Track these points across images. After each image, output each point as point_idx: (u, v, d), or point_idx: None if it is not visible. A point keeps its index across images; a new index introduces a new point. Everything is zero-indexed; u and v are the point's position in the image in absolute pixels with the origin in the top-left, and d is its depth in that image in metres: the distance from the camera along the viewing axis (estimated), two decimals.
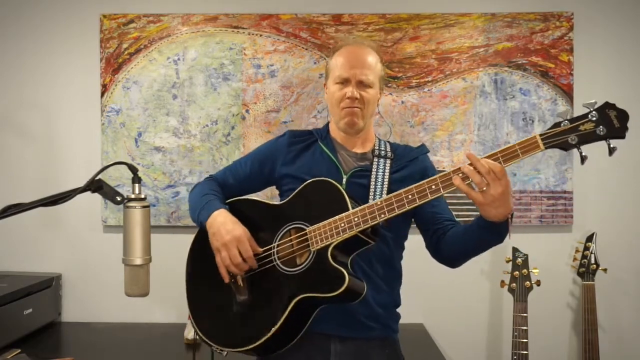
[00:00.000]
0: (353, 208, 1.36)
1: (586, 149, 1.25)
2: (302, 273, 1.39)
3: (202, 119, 2.50)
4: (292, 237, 1.44)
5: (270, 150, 1.62)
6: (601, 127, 1.21)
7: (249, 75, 2.49)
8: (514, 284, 2.26)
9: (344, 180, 1.50)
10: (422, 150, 1.61)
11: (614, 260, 2.46)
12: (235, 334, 1.45)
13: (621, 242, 2.52)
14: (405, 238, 1.58)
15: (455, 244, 1.44)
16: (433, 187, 1.29)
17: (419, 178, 1.44)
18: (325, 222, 1.37)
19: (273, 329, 1.37)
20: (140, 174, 1.19)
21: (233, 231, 1.43)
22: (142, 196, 1.16)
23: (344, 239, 1.36)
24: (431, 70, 2.50)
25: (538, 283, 2.25)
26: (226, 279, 1.45)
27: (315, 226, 1.39)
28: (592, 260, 2.37)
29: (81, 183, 1.14)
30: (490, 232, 1.32)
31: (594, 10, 2.51)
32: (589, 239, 2.40)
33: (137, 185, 1.17)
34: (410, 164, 1.55)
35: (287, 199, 1.49)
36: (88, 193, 1.15)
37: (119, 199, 1.15)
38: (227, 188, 1.62)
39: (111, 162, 1.24)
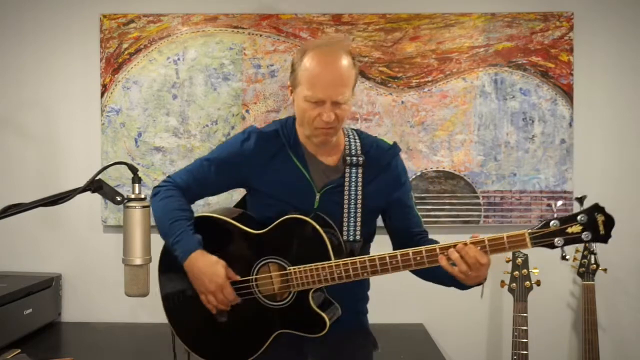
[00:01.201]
0: (335, 257, 1.38)
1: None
2: (283, 309, 1.44)
3: (202, 119, 2.50)
4: (273, 274, 1.45)
5: (237, 158, 1.53)
6: (587, 232, 1.26)
7: (249, 75, 2.49)
8: (514, 284, 2.26)
9: (317, 197, 1.48)
10: (394, 152, 1.57)
11: (614, 260, 2.46)
12: (213, 351, 1.52)
13: (621, 242, 2.51)
14: (376, 229, 1.61)
15: (424, 271, 1.46)
16: (418, 258, 1.35)
17: (391, 190, 1.52)
18: (307, 267, 1.39)
19: (253, 357, 1.46)
20: (140, 174, 1.19)
21: (216, 279, 1.42)
22: (142, 196, 1.16)
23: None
24: (431, 70, 2.50)
25: (538, 283, 2.25)
26: (214, 311, 1.48)
27: (297, 268, 1.41)
28: (592, 260, 2.37)
29: (81, 183, 1.14)
30: (461, 287, 1.42)
31: (594, 10, 2.51)
32: None
33: (137, 185, 1.17)
34: (382, 171, 1.53)
35: (266, 229, 1.46)
36: (88, 193, 1.15)
37: (119, 199, 1.15)
38: (190, 193, 1.56)
39: (111, 162, 1.24)
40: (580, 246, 2.41)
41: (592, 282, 2.36)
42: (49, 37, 2.53)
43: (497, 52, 2.50)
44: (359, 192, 1.48)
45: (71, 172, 2.52)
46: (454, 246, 1.32)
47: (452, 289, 2.53)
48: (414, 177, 2.49)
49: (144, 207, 1.14)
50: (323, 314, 1.40)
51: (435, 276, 1.47)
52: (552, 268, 2.48)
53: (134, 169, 1.18)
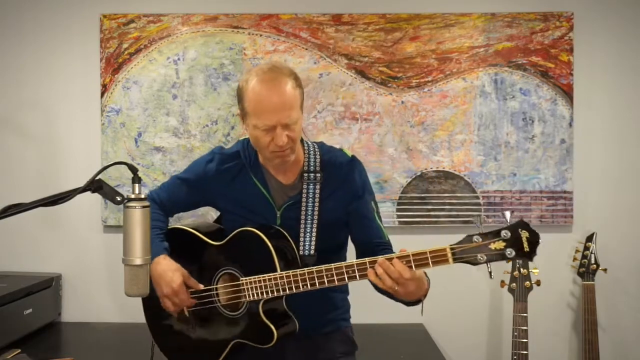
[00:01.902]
0: (281, 269, 1.43)
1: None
2: (238, 319, 1.50)
3: (202, 119, 2.50)
4: (230, 284, 1.52)
5: (200, 180, 1.61)
6: (510, 249, 1.24)
7: None
8: (514, 284, 2.26)
9: (278, 215, 1.54)
10: (352, 166, 1.58)
11: (614, 260, 2.46)
12: (180, 357, 1.60)
13: (621, 242, 2.52)
14: (347, 239, 1.64)
15: (378, 289, 1.47)
16: (350, 272, 1.38)
17: (349, 202, 1.55)
18: (255, 278, 1.45)
19: None
20: (140, 174, 1.18)
21: (172, 283, 1.49)
22: (142, 196, 1.16)
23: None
24: (431, 70, 2.50)
25: (538, 283, 2.24)
26: (175, 314, 1.56)
27: (248, 279, 1.46)
28: (592, 260, 2.37)
29: (81, 183, 1.14)
30: (405, 303, 1.45)
31: (594, 10, 2.51)
32: (589, 239, 2.40)
33: (137, 185, 1.16)
34: (340, 185, 1.56)
35: (224, 241, 1.54)
36: (88, 193, 1.15)
37: (119, 199, 1.15)
38: (165, 208, 1.67)
39: (111, 162, 1.24)
40: (580, 246, 2.41)
41: (592, 282, 2.36)
42: (49, 37, 2.53)
43: (497, 52, 2.50)
44: (316, 208, 1.52)
45: (71, 172, 2.52)
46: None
47: (451, 289, 2.54)
48: (414, 177, 2.49)
49: (144, 207, 1.14)
50: (271, 325, 1.44)
51: (381, 290, 1.47)
52: (552, 268, 2.48)
53: (134, 169, 1.17)
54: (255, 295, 1.45)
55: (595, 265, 2.36)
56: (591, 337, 2.32)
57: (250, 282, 1.45)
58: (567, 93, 2.49)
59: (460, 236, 2.63)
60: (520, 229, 1.24)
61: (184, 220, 2.14)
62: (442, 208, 2.50)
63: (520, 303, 2.23)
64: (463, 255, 1.27)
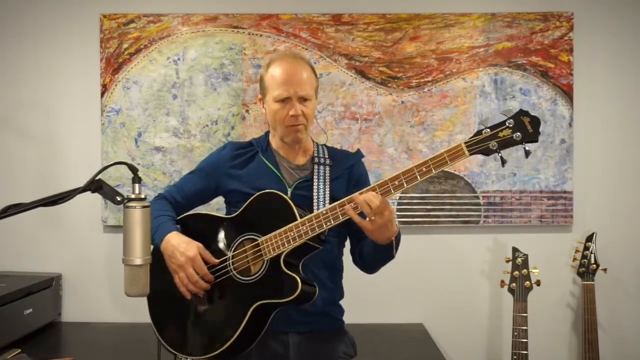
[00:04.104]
0: (301, 217, 1.47)
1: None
2: (257, 281, 1.50)
3: (202, 119, 2.50)
4: (246, 248, 1.53)
5: (213, 165, 1.69)
6: (517, 133, 1.33)
7: (249, 75, 2.49)
8: (514, 284, 2.26)
9: (289, 193, 1.60)
10: (358, 156, 1.73)
11: (614, 260, 2.46)
12: (199, 342, 1.56)
13: (621, 242, 2.52)
14: (346, 237, 1.71)
15: (364, 258, 1.63)
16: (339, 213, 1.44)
17: (352, 186, 1.63)
18: (276, 232, 1.48)
19: (235, 335, 1.48)
20: (140, 174, 1.18)
21: (187, 252, 1.51)
22: (142, 196, 1.16)
23: (295, 247, 1.47)
24: (431, 70, 2.50)
25: (538, 283, 2.25)
26: (188, 296, 1.55)
27: (267, 236, 1.49)
28: (592, 260, 2.37)
29: (81, 183, 1.14)
30: (381, 252, 1.50)
31: (594, 10, 2.51)
32: (589, 239, 2.40)
33: (137, 185, 1.16)
34: (347, 171, 1.67)
35: (238, 212, 1.58)
36: (88, 193, 1.15)
37: (119, 199, 1.15)
38: (177, 206, 1.70)
39: (111, 162, 1.24)
40: (580, 246, 2.41)
41: (592, 282, 2.36)
42: (49, 37, 2.53)
43: (497, 52, 2.50)
44: (327, 186, 1.60)
45: (71, 172, 2.52)
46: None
47: (451, 289, 2.54)
48: None
49: (144, 207, 1.14)
50: (294, 275, 1.45)
51: (368, 258, 1.58)
52: (552, 268, 2.48)
53: (134, 169, 1.17)
54: (276, 249, 1.47)
55: (595, 265, 2.36)
56: (591, 337, 2.32)
57: (270, 239, 1.48)
58: (567, 93, 2.49)
59: (460, 236, 2.65)
60: (521, 116, 1.33)
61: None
62: (442, 208, 2.50)
63: (520, 303, 2.23)
64: (476, 146, 1.35)
